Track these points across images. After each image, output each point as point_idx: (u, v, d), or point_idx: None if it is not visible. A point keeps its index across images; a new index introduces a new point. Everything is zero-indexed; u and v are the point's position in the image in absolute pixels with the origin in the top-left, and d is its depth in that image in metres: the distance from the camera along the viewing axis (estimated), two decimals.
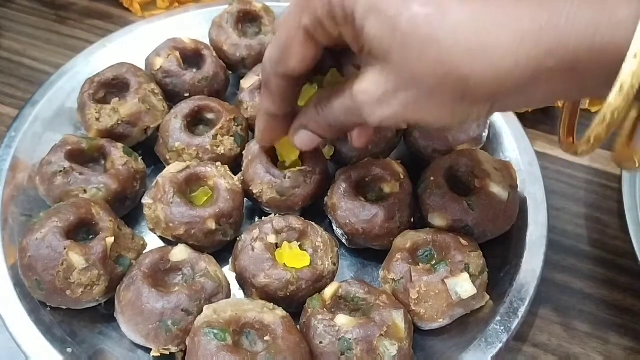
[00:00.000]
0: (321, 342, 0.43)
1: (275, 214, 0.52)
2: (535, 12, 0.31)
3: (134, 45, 0.67)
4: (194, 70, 0.62)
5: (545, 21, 0.31)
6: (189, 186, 0.52)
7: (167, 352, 0.45)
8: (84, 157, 0.54)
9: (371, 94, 0.37)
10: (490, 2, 0.33)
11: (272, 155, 0.54)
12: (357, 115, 0.39)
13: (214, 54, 0.63)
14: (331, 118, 0.43)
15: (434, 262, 0.48)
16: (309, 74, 0.43)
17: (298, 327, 0.45)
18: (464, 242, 0.48)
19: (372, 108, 0.38)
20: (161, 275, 0.47)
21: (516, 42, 0.31)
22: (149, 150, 0.58)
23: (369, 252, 0.54)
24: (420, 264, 0.48)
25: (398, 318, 0.44)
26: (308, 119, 0.45)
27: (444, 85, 0.34)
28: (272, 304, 0.45)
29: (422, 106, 0.36)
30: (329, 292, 0.46)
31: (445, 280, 0.46)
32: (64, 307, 0.47)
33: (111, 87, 0.59)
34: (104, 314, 0.49)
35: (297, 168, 0.53)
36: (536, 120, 0.68)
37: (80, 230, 0.48)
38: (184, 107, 0.57)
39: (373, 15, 0.35)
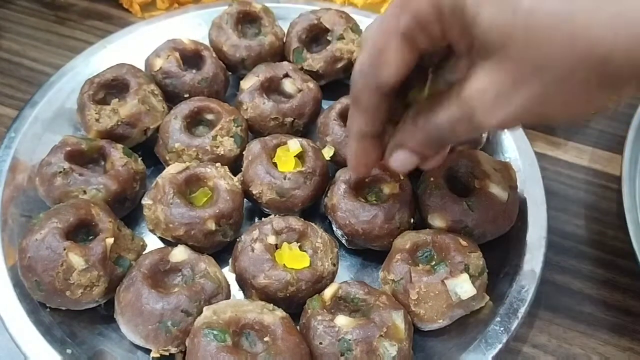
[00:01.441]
0: (321, 343, 0.43)
1: (275, 215, 0.52)
2: None
3: (133, 46, 0.67)
4: (194, 71, 0.62)
5: None
6: (188, 187, 0.52)
7: (167, 353, 0.45)
8: (84, 158, 0.54)
9: (486, 94, 0.33)
10: None
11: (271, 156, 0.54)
12: (467, 123, 0.35)
13: (214, 55, 0.63)
14: (434, 132, 0.38)
15: (434, 262, 0.48)
16: (400, 89, 0.39)
17: (298, 327, 0.45)
18: (463, 242, 0.48)
19: (487, 111, 0.33)
20: (161, 276, 0.47)
21: None
22: (148, 151, 0.58)
23: (368, 252, 0.54)
24: (420, 265, 0.48)
25: (398, 319, 0.44)
26: (405, 136, 0.40)
27: (579, 70, 0.29)
28: (271, 304, 0.45)
29: (550, 99, 0.31)
30: (328, 292, 0.46)
31: (445, 281, 0.46)
32: (64, 308, 0.47)
33: (111, 88, 0.59)
34: (103, 315, 0.49)
35: (297, 169, 0.53)
36: None
37: (80, 231, 0.48)
38: (184, 108, 0.57)
39: (487, 1, 0.31)
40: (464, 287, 0.46)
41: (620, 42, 0.27)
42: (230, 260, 0.50)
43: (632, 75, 0.29)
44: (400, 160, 0.41)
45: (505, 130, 0.56)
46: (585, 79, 0.30)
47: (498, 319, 0.48)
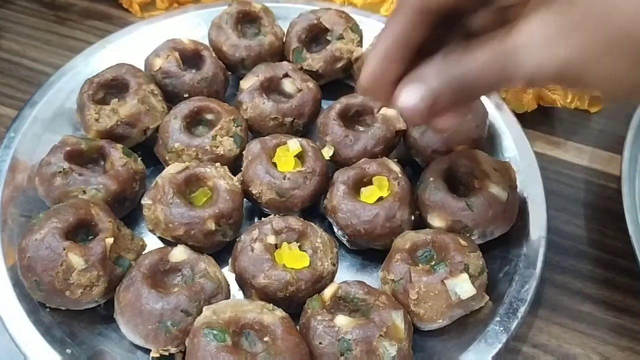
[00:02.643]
0: (321, 343, 0.43)
1: (274, 215, 0.52)
2: None
3: (133, 46, 0.67)
4: (193, 71, 0.62)
5: None
6: (188, 187, 0.52)
7: (167, 353, 0.45)
8: (83, 158, 0.54)
9: (535, 35, 0.31)
10: None
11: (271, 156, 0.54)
12: (503, 65, 0.32)
13: (213, 55, 0.63)
14: (462, 72, 0.34)
15: (434, 262, 0.48)
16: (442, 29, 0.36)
17: (297, 327, 0.45)
18: (463, 242, 0.48)
19: (532, 52, 0.31)
20: (160, 276, 0.47)
21: None
22: (148, 151, 0.58)
23: (368, 252, 0.54)
24: (420, 265, 0.48)
25: (397, 319, 0.44)
26: (429, 71, 0.36)
27: (636, 36, 0.28)
28: (271, 304, 0.45)
29: (597, 57, 0.30)
30: (328, 292, 0.46)
31: (444, 280, 0.46)
32: (63, 308, 0.47)
33: (110, 87, 0.59)
34: (103, 315, 0.49)
35: (297, 169, 0.53)
36: (535, 121, 0.68)
37: (80, 231, 0.48)
38: (184, 108, 0.57)
39: None
40: (463, 287, 0.46)
41: None
42: (230, 260, 0.50)
43: None
44: (413, 95, 0.36)
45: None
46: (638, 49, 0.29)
47: (498, 318, 0.48)
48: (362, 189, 0.53)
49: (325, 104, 0.62)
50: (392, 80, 0.38)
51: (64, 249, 0.45)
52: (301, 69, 0.63)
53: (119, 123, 0.56)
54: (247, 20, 0.67)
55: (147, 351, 0.46)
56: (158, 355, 0.45)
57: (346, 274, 0.54)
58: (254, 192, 0.52)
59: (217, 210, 0.50)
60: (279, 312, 0.44)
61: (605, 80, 0.31)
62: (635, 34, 0.29)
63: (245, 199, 0.54)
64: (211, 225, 0.49)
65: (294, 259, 0.48)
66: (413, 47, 0.37)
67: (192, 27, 0.70)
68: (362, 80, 0.40)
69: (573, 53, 0.30)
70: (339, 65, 0.64)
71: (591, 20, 0.29)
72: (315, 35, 0.66)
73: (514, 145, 0.60)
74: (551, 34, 0.30)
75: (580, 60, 0.31)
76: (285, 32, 0.66)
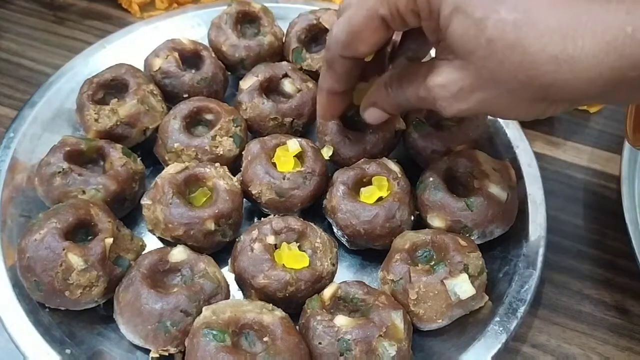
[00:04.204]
0: (320, 343, 0.43)
1: (274, 215, 0.52)
2: (623, 20, 0.31)
3: (132, 46, 0.67)
4: (193, 71, 0.62)
5: (632, 30, 0.31)
6: (187, 187, 0.52)
7: (166, 353, 0.45)
8: (83, 158, 0.54)
9: (448, 89, 0.39)
10: (579, 4, 0.33)
11: (270, 156, 0.54)
12: (430, 104, 0.41)
13: (213, 55, 0.63)
14: (402, 101, 0.45)
15: (433, 262, 0.48)
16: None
17: (297, 327, 0.45)
18: (462, 242, 0.48)
19: (448, 102, 0.39)
20: (160, 276, 0.47)
21: (602, 53, 0.32)
22: (147, 151, 0.58)
23: (368, 252, 0.54)
24: (419, 265, 0.48)
25: (397, 319, 0.44)
26: (378, 98, 0.47)
27: (525, 89, 0.35)
28: (271, 304, 0.45)
29: (500, 103, 0.38)
30: (328, 292, 0.46)
31: (444, 280, 0.46)
32: (63, 308, 0.47)
33: (110, 88, 0.59)
34: (102, 315, 0.49)
35: (296, 169, 0.53)
36: (535, 121, 0.68)
37: (79, 231, 0.48)
38: (183, 108, 0.57)
39: (459, 15, 0.35)
40: (463, 287, 0.46)
41: (560, 77, 0.33)
42: (229, 260, 0.50)
43: (565, 99, 0.36)
44: (374, 116, 0.49)
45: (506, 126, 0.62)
46: (529, 96, 0.36)
47: (497, 318, 0.48)
48: (362, 189, 0.53)
49: None
50: (343, 107, 0.52)
51: (64, 249, 0.45)
52: (301, 69, 0.63)
53: (118, 123, 0.56)
54: (246, 20, 0.67)
55: (147, 351, 0.46)
56: (157, 356, 0.45)
57: (346, 274, 0.54)
58: (253, 192, 0.52)
59: (216, 211, 0.50)
60: (279, 312, 0.44)
61: (514, 114, 0.40)
62: (522, 89, 0.35)
63: (244, 199, 0.54)
64: (211, 226, 0.49)
65: (294, 259, 0.48)
66: (352, 82, 0.49)
67: (191, 27, 0.70)
68: (321, 119, 0.54)
69: (479, 103, 0.38)
70: None
71: (486, 78, 0.36)
72: (315, 36, 0.65)
73: (514, 145, 0.60)
74: (458, 89, 0.38)
75: (486, 107, 0.39)
76: (285, 32, 0.66)
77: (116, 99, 0.57)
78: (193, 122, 0.58)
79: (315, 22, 0.64)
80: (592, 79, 0.32)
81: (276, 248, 0.49)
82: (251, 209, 0.57)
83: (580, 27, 0.32)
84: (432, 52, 0.45)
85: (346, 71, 0.46)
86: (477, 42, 0.35)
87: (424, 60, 0.48)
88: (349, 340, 0.42)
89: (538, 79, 0.34)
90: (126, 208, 0.55)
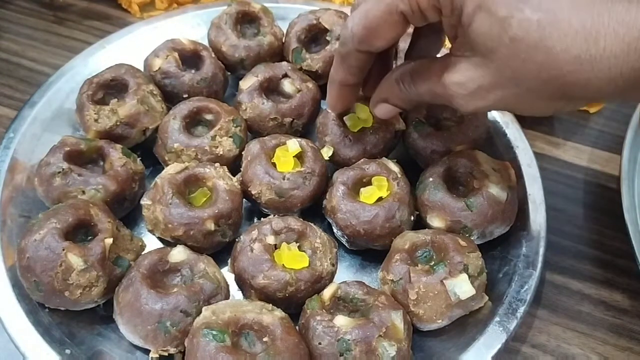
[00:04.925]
0: (320, 343, 0.43)
1: (274, 215, 0.52)
2: None
3: (132, 46, 0.67)
4: (193, 71, 0.62)
5: None
6: (187, 187, 0.52)
7: (166, 353, 0.45)
8: (83, 158, 0.54)
9: (466, 87, 0.38)
10: (601, 4, 0.33)
11: (270, 156, 0.54)
12: (446, 101, 0.41)
13: (213, 55, 0.63)
14: (415, 96, 0.44)
15: (433, 263, 0.48)
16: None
17: (297, 328, 0.45)
18: (462, 242, 0.48)
19: (465, 100, 0.39)
20: (160, 276, 0.47)
21: (623, 53, 0.32)
22: (147, 151, 0.58)
23: (367, 252, 0.54)
24: (419, 265, 0.48)
25: (397, 319, 0.44)
26: (389, 93, 0.47)
27: (545, 88, 0.35)
28: (270, 305, 0.45)
29: (518, 101, 0.38)
30: (327, 293, 0.46)
31: (444, 281, 0.46)
32: (63, 308, 0.47)
33: (110, 88, 0.59)
34: (102, 315, 0.49)
35: (296, 169, 0.53)
36: (535, 121, 0.68)
37: (79, 232, 0.48)
38: (183, 108, 0.57)
39: (483, 13, 0.35)
40: (463, 287, 0.46)
41: (582, 76, 0.33)
42: (229, 261, 0.50)
43: (585, 97, 0.36)
44: (384, 111, 0.49)
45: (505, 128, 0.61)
46: (549, 94, 0.36)
47: (497, 319, 0.48)
48: (362, 189, 0.53)
49: (324, 104, 0.61)
50: (354, 99, 0.53)
51: (63, 250, 0.45)
52: (300, 69, 0.63)
53: (118, 123, 0.56)
54: (246, 20, 0.67)
55: (147, 351, 0.46)
56: (157, 356, 0.45)
57: (345, 274, 0.54)
58: (253, 192, 0.52)
59: (216, 211, 0.50)
60: (279, 313, 0.44)
61: (531, 111, 0.39)
62: (543, 88, 0.36)
63: (244, 199, 0.54)
64: (210, 226, 0.49)
65: (294, 260, 0.48)
66: (364, 75, 0.48)
67: (191, 27, 0.70)
68: (332, 110, 0.55)
69: (498, 101, 0.38)
70: None
71: (507, 77, 0.36)
72: (315, 36, 0.65)
73: (514, 145, 0.60)
74: (476, 87, 0.38)
75: (505, 105, 0.39)
76: (285, 33, 0.66)
77: (116, 99, 0.57)
78: (193, 122, 0.58)
79: (315, 22, 0.64)
80: (613, 79, 0.33)
81: (276, 248, 0.49)
82: (251, 209, 0.57)
83: (602, 28, 0.32)
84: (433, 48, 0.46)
85: (360, 64, 0.46)
86: (500, 41, 0.35)
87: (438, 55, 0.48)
88: (348, 340, 0.42)
89: (560, 78, 0.34)
90: (126, 208, 0.55)
